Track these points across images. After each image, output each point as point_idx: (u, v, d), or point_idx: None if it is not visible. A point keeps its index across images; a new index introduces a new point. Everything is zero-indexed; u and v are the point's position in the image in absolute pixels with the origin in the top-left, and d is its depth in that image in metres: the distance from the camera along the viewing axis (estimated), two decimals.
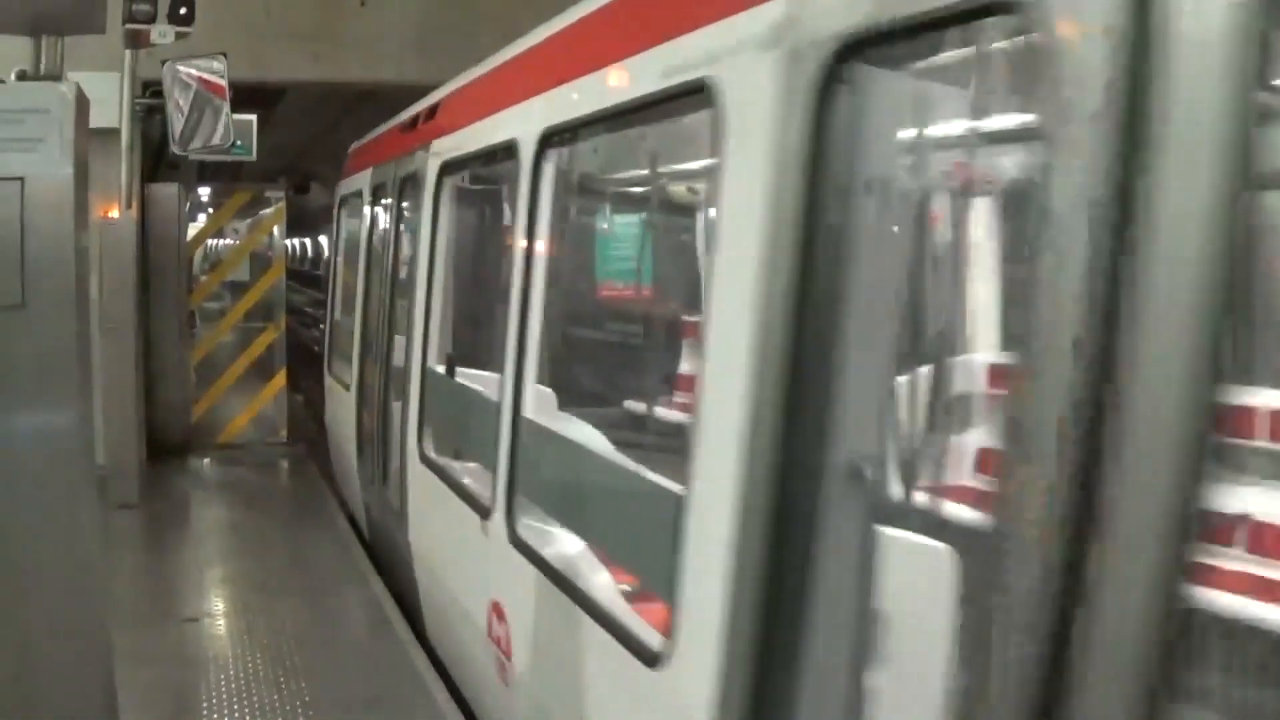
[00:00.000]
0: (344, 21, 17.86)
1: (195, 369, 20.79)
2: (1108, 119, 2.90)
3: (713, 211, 5.32)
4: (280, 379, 21.31)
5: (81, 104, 6.75)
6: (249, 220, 25.98)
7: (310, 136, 26.98)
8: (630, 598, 6.13)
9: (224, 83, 13.59)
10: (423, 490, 10.22)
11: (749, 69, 4.70)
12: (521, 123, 7.77)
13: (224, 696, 9.38)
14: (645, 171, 9.67)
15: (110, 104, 13.08)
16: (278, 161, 26.89)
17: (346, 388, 14.67)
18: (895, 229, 4.48)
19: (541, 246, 7.54)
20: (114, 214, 15.28)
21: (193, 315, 21.30)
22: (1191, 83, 2.77)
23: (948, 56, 4.09)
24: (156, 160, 21.06)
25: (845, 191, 4.24)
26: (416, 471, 10.27)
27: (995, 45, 3.75)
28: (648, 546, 5.82)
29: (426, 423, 10.21)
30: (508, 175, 8.52)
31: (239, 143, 16.28)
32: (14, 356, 6.75)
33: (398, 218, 12.40)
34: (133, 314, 16.41)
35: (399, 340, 11.51)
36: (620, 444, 6.88)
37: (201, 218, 27.54)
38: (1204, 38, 2.75)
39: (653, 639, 5.35)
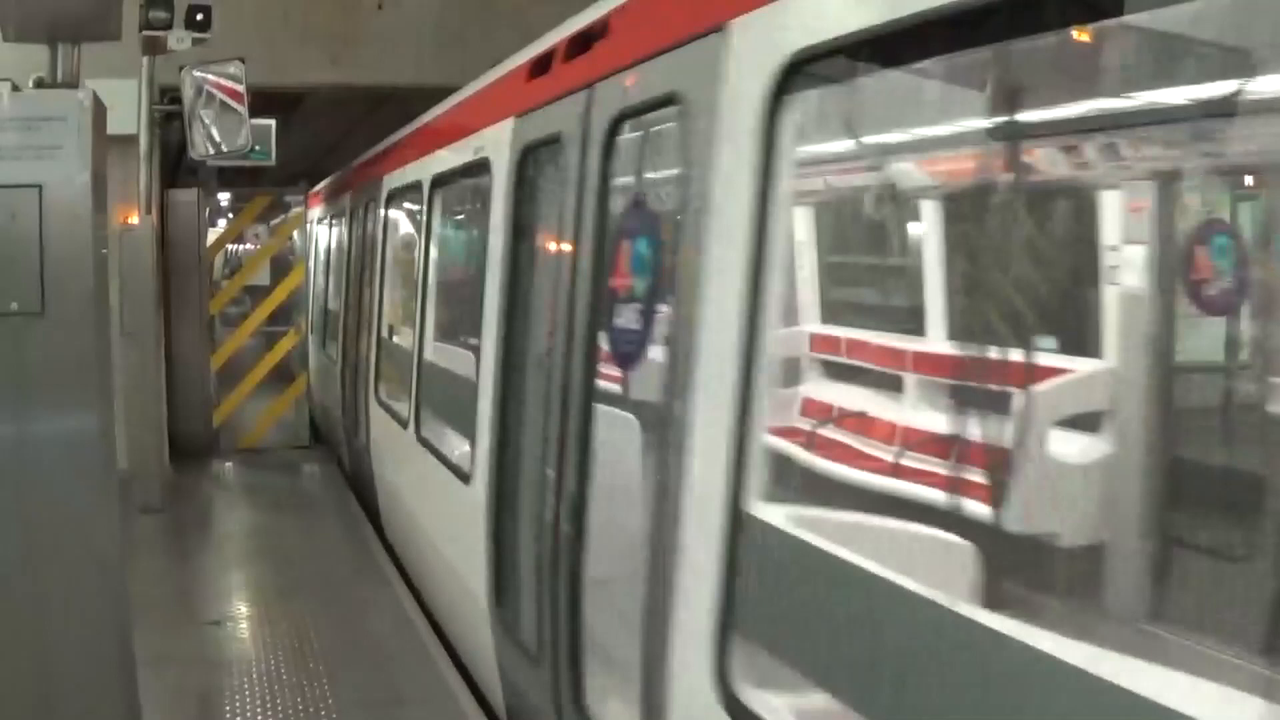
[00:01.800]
0: (361, 24, 17.87)
1: (217, 374, 20.82)
2: None
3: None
4: (301, 383, 21.33)
5: (99, 111, 6.76)
6: (269, 225, 26.03)
7: (330, 139, 27.01)
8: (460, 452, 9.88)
9: (242, 88, 13.60)
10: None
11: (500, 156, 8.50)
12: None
13: (247, 699, 9.40)
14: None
15: (128, 110, 13.14)
16: (297, 165, 26.92)
17: (332, 360, 18.73)
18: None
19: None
20: (133, 220, 15.33)
21: (213, 320, 21.34)
22: None
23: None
24: (175, 166, 21.12)
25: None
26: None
27: None
28: (463, 420, 9.46)
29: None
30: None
31: (258, 147, 16.28)
32: (34, 362, 6.78)
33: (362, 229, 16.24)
34: (153, 319, 16.45)
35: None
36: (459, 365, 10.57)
37: (221, 223, 27.60)
38: None
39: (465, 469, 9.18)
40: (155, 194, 16.16)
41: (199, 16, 12.04)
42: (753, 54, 4.72)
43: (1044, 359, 7.14)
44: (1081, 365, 7.89)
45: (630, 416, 6.68)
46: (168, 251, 18.64)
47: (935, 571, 4.51)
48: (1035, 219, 6.85)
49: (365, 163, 15.34)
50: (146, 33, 11.43)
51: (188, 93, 13.95)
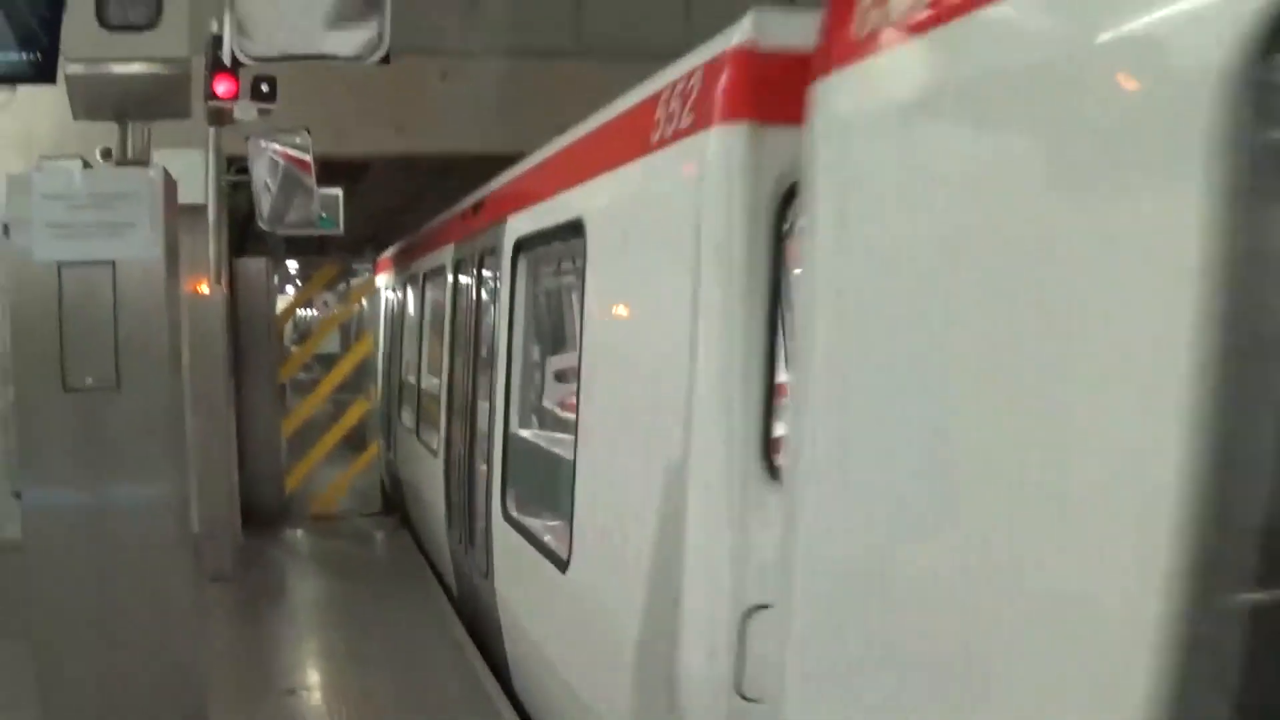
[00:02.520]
0: (426, 94, 17.99)
1: (288, 441, 20.91)
2: None
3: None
4: (373, 450, 21.39)
5: (170, 187, 6.87)
6: (338, 291, 26.19)
7: (395, 205, 27.15)
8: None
9: (309, 158, 13.73)
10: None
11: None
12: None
13: None
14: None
15: (195, 181, 13.27)
16: (364, 230, 27.07)
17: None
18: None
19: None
20: (203, 289, 15.47)
21: (284, 388, 21.44)
22: None
23: None
24: (244, 234, 21.28)
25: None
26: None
27: None
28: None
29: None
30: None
31: (325, 215, 16.43)
32: (109, 434, 6.89)
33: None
34: (224, 387, 16.57)
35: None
36: None
37: (290, 289, 27.81)
38: None
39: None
40: (224, 263, 16.30)
41: (264, 88, 12.15)
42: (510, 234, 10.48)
43: None
44: None
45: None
46: (238, 320, 18.76)
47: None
48: None
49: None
50: (212, 104, 11.54)
51: (255, 163, 14.10)
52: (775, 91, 5.50)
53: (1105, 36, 2.68)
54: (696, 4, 18.57)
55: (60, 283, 6.77)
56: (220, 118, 12.41)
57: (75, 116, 7.14)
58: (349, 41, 6.16)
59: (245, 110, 12.17)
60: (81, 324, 6.76)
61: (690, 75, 6.23)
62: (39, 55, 6.66)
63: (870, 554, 3.57)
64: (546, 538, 8.91)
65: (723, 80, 5.79)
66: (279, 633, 13.95)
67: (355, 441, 22.09)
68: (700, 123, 5.95)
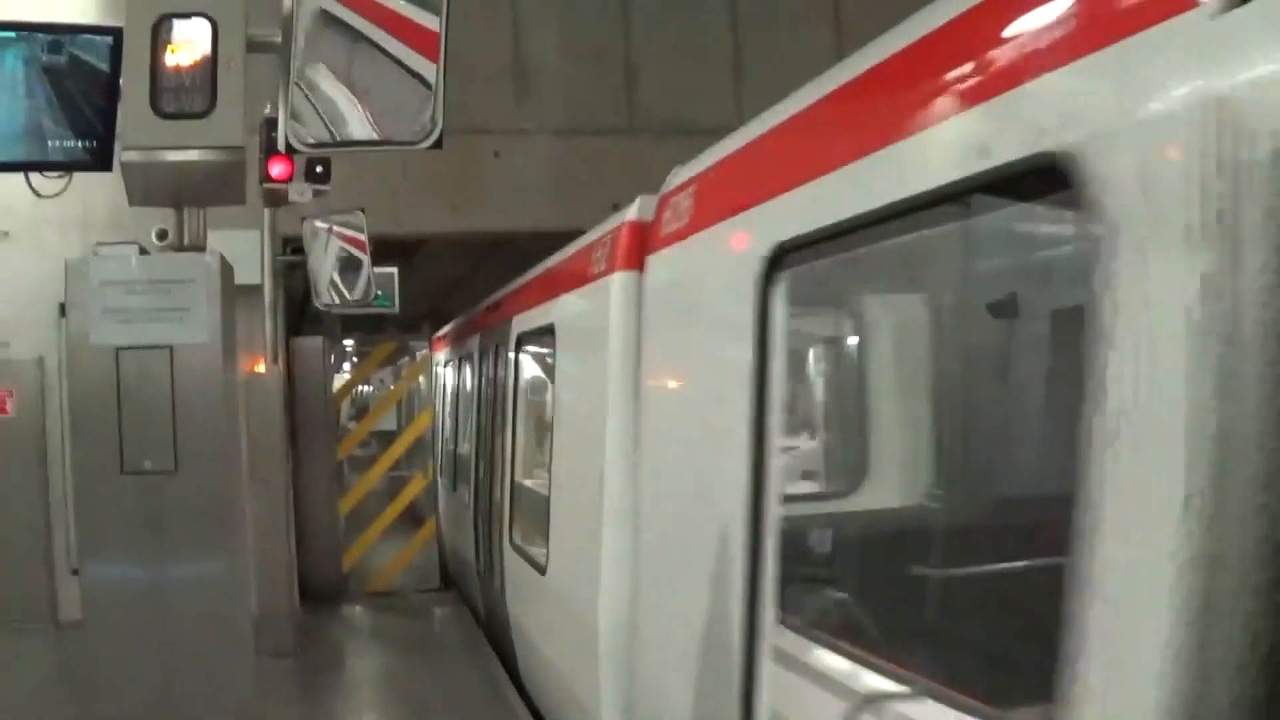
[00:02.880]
0: (480, 172, 18.10)
1: (345, 517, 20.98)
2: None
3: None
4: (430, 527, 21.42)
5: (226, 272, 6.96)
6: (394, 368, 26.28)
7: (449, 281, 27.28)
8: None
9: (364, 237, 13.85)
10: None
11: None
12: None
13: None
14: None
15: (251, 261, 13.41)
16: (418, 306, 27.18)
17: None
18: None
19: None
20: (260, 368, 15.59)
21: (341, 465, 21.52)
22: None
23: None
24: (300, 313, 21.42)
25: None
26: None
27: None
28: None
29: None
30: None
31: (381, 294, 16.54)
32: (168, 514, 6.96)
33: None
34: (282, 465, 16.68)
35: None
36: None
37: (346, 367, 27.93)
38: None
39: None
40: (281, 342, 16.42)
41: (319, 169, 12.27)
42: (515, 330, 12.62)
43: None
44: None
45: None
46: (294, 398, 18.88)
47: None
48: None
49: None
50: (267, 185, 11.66)
51: (310, 244, 14.23)
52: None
53: (709, 266, 6.64)
54: (747, 81, 18.68)
55: (118, 367, 6.86)
56: (275, 199, 12.53)
57: (131, 203, 7.23)
58: (403, 128, 6.24)
59: (300, 192, 12.29)
60: (139, 408, 6.83)
61: (607, 235, 8.93)
62: (95, 143, 6.78)
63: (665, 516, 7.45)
64: (532, 552, 11.93)
65: (621, 242, 8.41)
66: (337, 710, 13.97)
67: (413, 517, 22.14)
68: (609, 268, 8.60)
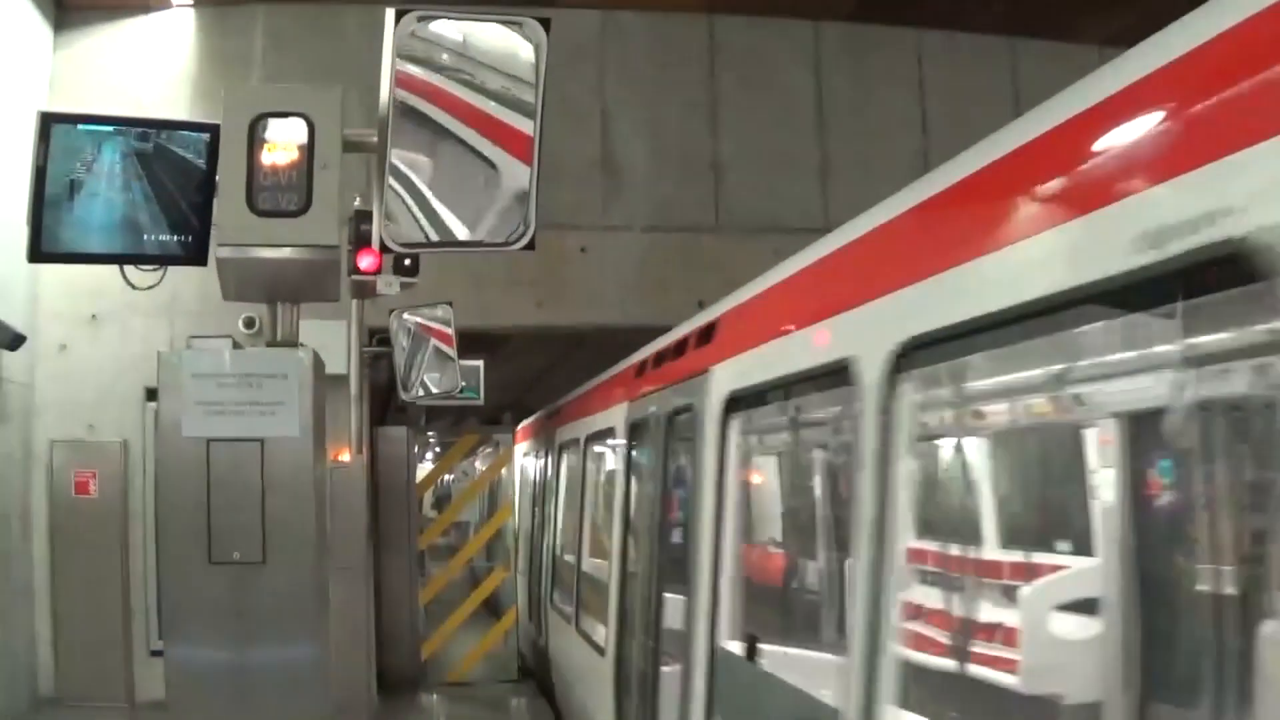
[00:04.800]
0: (566, 268, 18.24)
1: (425, 607, 21.01)
2: None
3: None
4: (510, 618, 21.41)
5: (318, 367, 7.04)
6: (476, 459, 26.29)
7: (533, 373, 27.41)
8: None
9: (451, 330, 13.94)
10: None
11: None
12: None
13: None
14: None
15: (337, 351, 13.48)
16: (501, 397, 27.30)
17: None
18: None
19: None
20: (345, 458, 15.68)
21: (423, 555, 21.55)
22: None
23: None
24: (385, 404, 21.54)
25: None
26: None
27: None
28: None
29: None
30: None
31: (467, 386, 16.63)
32: (254, 604, 7.01)
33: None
34: (365, 554, 16.75)
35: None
36: None
37: (429, 456, 28.01)
38: None
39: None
40: (366, 432, 16.52)
41: (407, 262, 12.37)
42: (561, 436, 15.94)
43: None
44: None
45: None
46: (378, 488, 18.97)
47: None
48: None
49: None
50: (355, 278, 11.76)
51: (398, 336, 14.34)
52: None
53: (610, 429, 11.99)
54: (831, 180, 18.77)
55: (209, 458, 6.93)
56: (363, 291, 12.63)
57: (225, 297, 7.32)
58: (495, 230, 6.30)
59: (388, 284, 12.38)
60: (229, 499, 6.89)
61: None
62: (190, 238, 6.87)
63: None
64: (565, 608, 14.22)
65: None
66: None
67: (493, 608, 22.15)
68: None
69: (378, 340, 15.47)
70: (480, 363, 18.78)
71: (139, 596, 16.95)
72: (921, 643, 7.38)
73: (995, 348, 4.68)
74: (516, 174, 6.24)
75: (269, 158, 6.53)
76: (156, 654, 15.52)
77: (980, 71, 19.68)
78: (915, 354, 4.83)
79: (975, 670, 7.29)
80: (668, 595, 9.50)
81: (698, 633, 8.28)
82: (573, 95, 17.95)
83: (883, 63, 19.95)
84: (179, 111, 16.65)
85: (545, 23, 6.07)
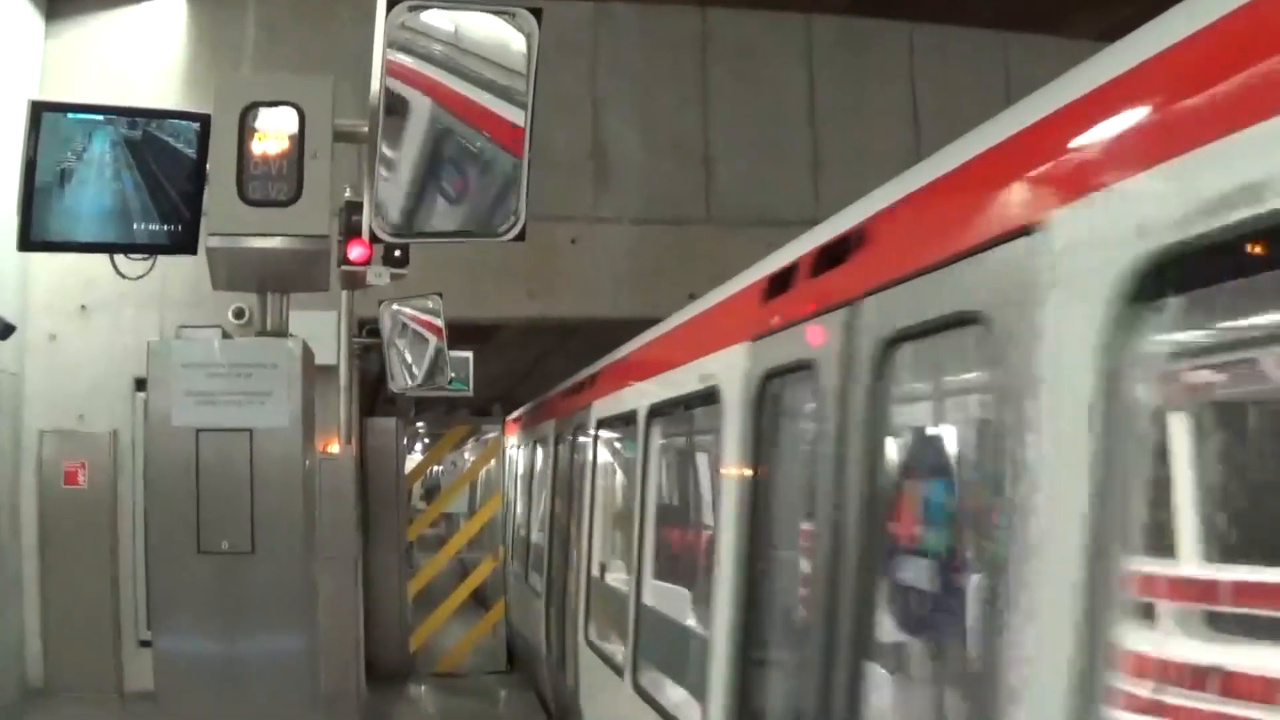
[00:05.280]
0: (556, 259, 18.24)
1: (414, 598, 20.99)
2: None
3: None
4: (499, 609, 21.39)
5: (308, 357, 7.03)
6: (465, 451, 26.23)
7: (523, 365, 27.40)
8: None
9: (440, 322, 13.91)
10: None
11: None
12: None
13: None
14: None
15: (327, 342, 13.49)
16: (490, 390, 27.30)
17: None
18: None
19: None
20: (333, 449, 15.67)
21: (411, 546, 21.54)
22: None
23: None
24: (374, 395, 21.52)
25: None
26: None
27: None
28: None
29: None
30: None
31: (456, 378, 16.60)
32: (242, 593, 7.01)
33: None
34: (353, 545, 16.73)
35: None
36: None
37: (418, 448, 27.98)
38: None
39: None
40: (355, 423, 16.50)
41: (397, 253, 12.34)
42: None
43: None
44: None
45: None
46: (367, 479, 18.95)
47: None
48: None
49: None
50: (345, 268, 11.74)
51: (387, 326, 14.32)
52: None
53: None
54: (823, 173, 18.77)
55: (198, 448, 6.93)
56: (353, 281, 12.61)
57: (215, 287, 7.32)
58: (485, 221, 6.28)
59: (378, 275, 12.36)
60: (217, 489, 6.89)
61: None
62: (179, 227, 6.85)
63: None
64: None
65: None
66: None
67: (481, 599, 22.12)
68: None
69: (367, 331, 15.46)
70: (470, 354, 18.77)
71: (128, 587, 16.93)
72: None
73: None
74: (507, 165, 6.23)
75: (259, 147, 6.52)
76: (145, 644, 15.52)
77: (972, 66, 19.68)
78: None
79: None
80: None
81: None
82: (564, 86, 17.96)
83: (875, 56, 19.96)
84: (170, 101, 16.61)
85: (537, 13, 6.05)
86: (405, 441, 22.49)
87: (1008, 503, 3.64)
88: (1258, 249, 2.87)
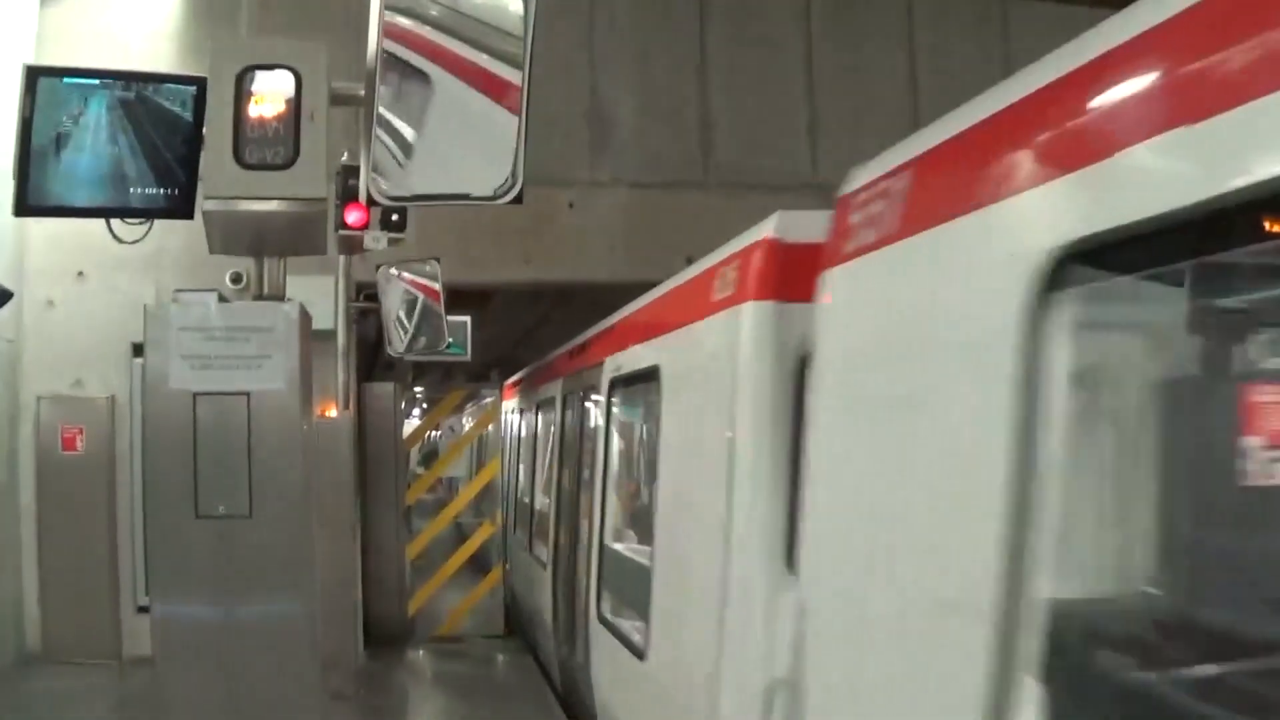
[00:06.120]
0: (554, 223, 18.20)
1: (412, 563, 21.00)
2: None
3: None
4: (496, 573, 21.42)
5: (305, 321, 7.03)
6: (464, 416, 26.22)
7: (520, 330, 27.38)
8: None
9: (438, 286, 13.88)
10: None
11: None
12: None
13: None
14: None
15: (325, 307, 13.46)
16: (487, 354, 27.29)
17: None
18: None
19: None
20: (331, 413, 15.65)
21: (409, 510, 21.55)
22: None
23: None
24: (372, 360, 21.51)
25: None
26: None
27: None
28: None
29: None
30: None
31: (454, 342, 16.57)
32: (240, 557, 7.02)
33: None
34: (351, 510, 16.74)
35: None
36: None
37: (416, 413, 28.00)
38: None
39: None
40: (353, 388, 16.48)
41: (394, 217, 12.31)
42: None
43: None
44: None
45: None
46: (365, 443, 18.94)
47: None
48: None
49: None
50: (342, 233, 11.71)
51: (385, 291, 14.30)
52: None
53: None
54: (820, 138, 18.72)
55: (195, 412, 6.93)
56: (350, 246, 12.59)
57: (212, 250, 7.30)
58: (483, 183, 6.26)
59: (375, 239, 12.34)
60: (215, 453, 6.89)
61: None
62: (176, 191, 6.83)
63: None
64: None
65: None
66: None
67: (480, 563, 22.13)
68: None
69: (365, 296, 15.44)
70: (468, 319, 18.75)
71: (126, 552, 16.94)
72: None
73: None
74: (505, 126, 6.20)
75: (256, 110, 6.49)
76: (143, 609, 15.53)
77: (971, 31, 19.63)
78: None
79: None
80: None
81: None
82: (560, 50, 17.90)
83: (873, 21, 19.88)
84: (166, 65, 16.54)
85: None
86: (403, 406, 22.48)
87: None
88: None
